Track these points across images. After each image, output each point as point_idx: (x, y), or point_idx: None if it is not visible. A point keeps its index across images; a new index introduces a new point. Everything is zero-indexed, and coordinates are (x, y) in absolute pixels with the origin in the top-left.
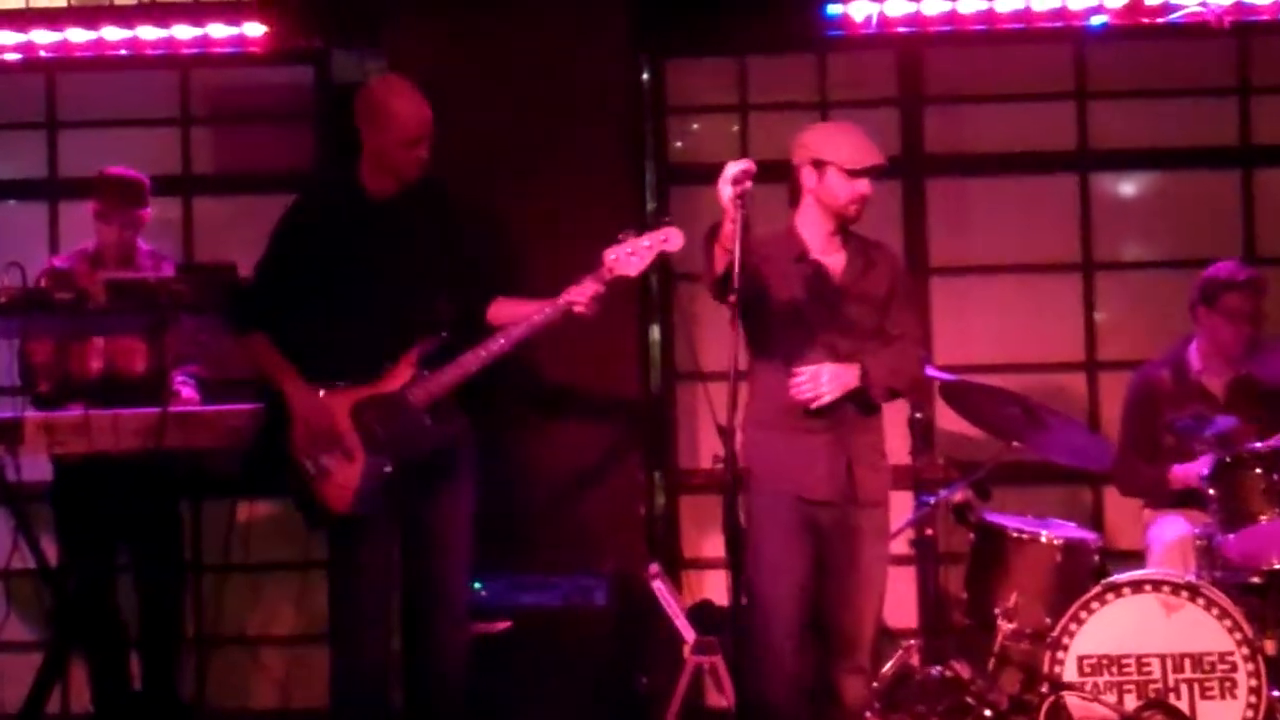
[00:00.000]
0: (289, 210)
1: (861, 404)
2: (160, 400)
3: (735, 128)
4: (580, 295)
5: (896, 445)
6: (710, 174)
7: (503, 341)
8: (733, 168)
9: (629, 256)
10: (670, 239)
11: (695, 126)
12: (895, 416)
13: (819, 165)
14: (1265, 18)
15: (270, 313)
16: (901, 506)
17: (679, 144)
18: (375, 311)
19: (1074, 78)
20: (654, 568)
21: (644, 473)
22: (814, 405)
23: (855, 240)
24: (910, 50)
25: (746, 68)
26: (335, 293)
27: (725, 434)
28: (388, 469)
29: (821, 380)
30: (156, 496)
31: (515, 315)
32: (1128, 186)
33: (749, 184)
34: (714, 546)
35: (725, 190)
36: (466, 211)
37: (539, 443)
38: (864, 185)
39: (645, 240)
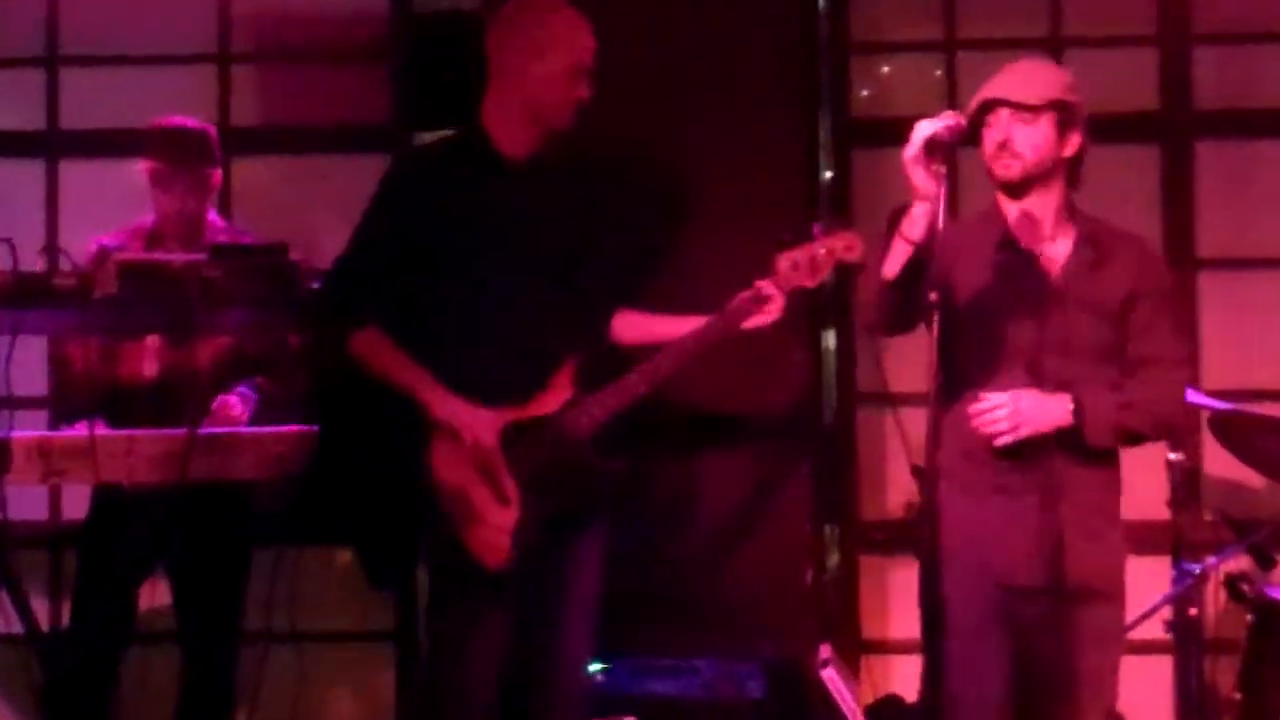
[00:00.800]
0: (393, 175)
1: (1080, 450)
2: (186, 418)
3: (939, 72)
4: (766, 314)
5: (1150, 495)
6: (904, 131)
7: (672, 359)
8: (926, 127)
9: (809, 262)
10: (852, 246)
11: (886, 70)
12: (1148, 459)
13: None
14: None
15: (376, 308)
16: (1156, 578)
17: (865, 92)
18: (522, 311)
19: None
20: (825, 651)
21: (814, 526)
22: (998, 443)
23: (1091, 226)
24: None
25: None
26: (466, 286)
27: (924, 477)
28: (545, 511)
29: (1012, 409)
30: (214, 541)
31: (651, 332)
32: None
33: (952, 149)
34: (904, 625)
35: (915, 159)
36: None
37: (676, 486)
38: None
39: (820, 248)
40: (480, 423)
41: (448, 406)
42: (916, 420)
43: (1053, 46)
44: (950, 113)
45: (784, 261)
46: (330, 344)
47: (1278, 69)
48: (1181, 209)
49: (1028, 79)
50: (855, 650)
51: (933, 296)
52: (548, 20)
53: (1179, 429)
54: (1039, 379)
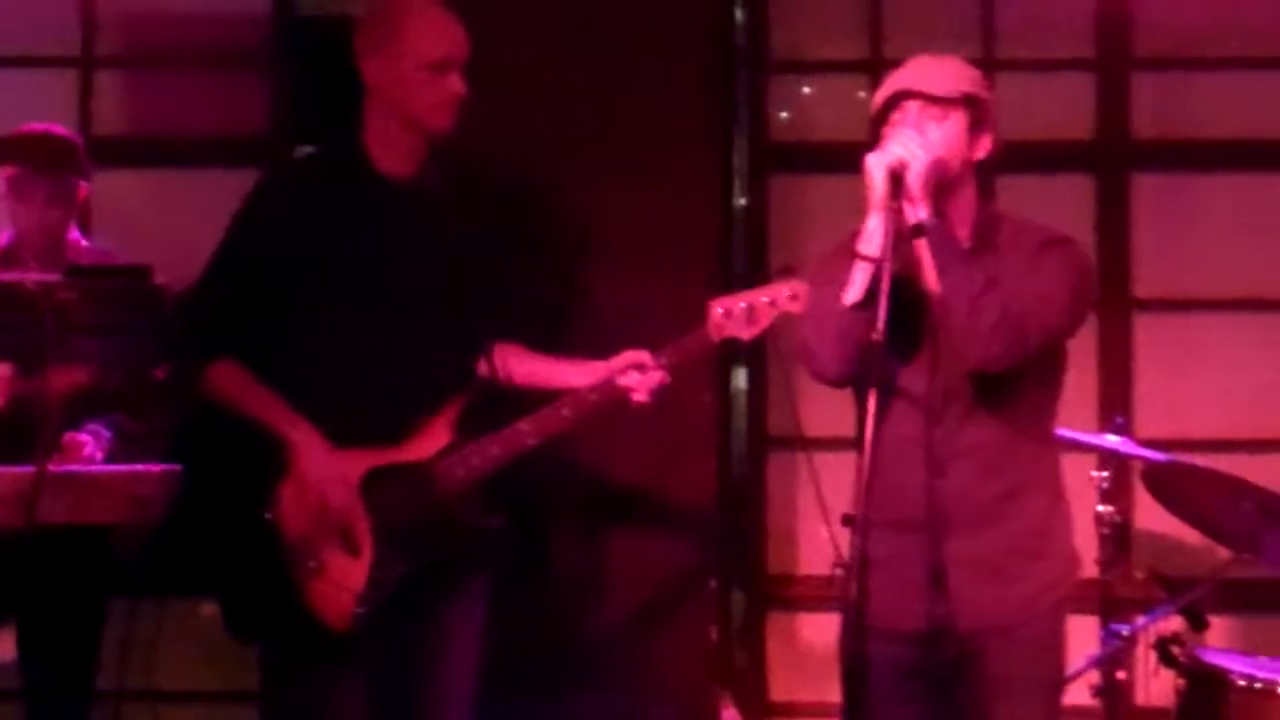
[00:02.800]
0: (258, 193)
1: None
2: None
3: (863, 93)
4: (644, 382)
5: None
6: (826, 157)
7: (569, 413)
8: (896, 149)
9: (744, 313)
10: (798, 295)
11: (807, 90)
12: (1077, 510)
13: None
14: None
15: (237, 337)
16: (1084, 639)
17: (784, 114)
18: (396, 344)
19: None
20: (729, 714)
21: (719, 581)
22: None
23: (1007, 227)
24: None
25: (880, 7)
26: (335, 316)
27: (855, 526)
28: (402, 569)
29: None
30: (65, 590)
31: (540, 374)
32: None
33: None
34: (815, 687)
35: (878, 176)
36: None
37: (571, 537)
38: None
39: (765, 295)
40: (330, 480)
41: (308, 453)
42: (831, 466)
43: (985, 69)
44: (910, 132)
45: (714, 310)
46: (190, 376)
47: (1221, 98)
48: (1116, 245)
49: (938, 70)
50: (762, 713)
51: (877, 335)
52: (403, 17)
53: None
54: (934, 403)
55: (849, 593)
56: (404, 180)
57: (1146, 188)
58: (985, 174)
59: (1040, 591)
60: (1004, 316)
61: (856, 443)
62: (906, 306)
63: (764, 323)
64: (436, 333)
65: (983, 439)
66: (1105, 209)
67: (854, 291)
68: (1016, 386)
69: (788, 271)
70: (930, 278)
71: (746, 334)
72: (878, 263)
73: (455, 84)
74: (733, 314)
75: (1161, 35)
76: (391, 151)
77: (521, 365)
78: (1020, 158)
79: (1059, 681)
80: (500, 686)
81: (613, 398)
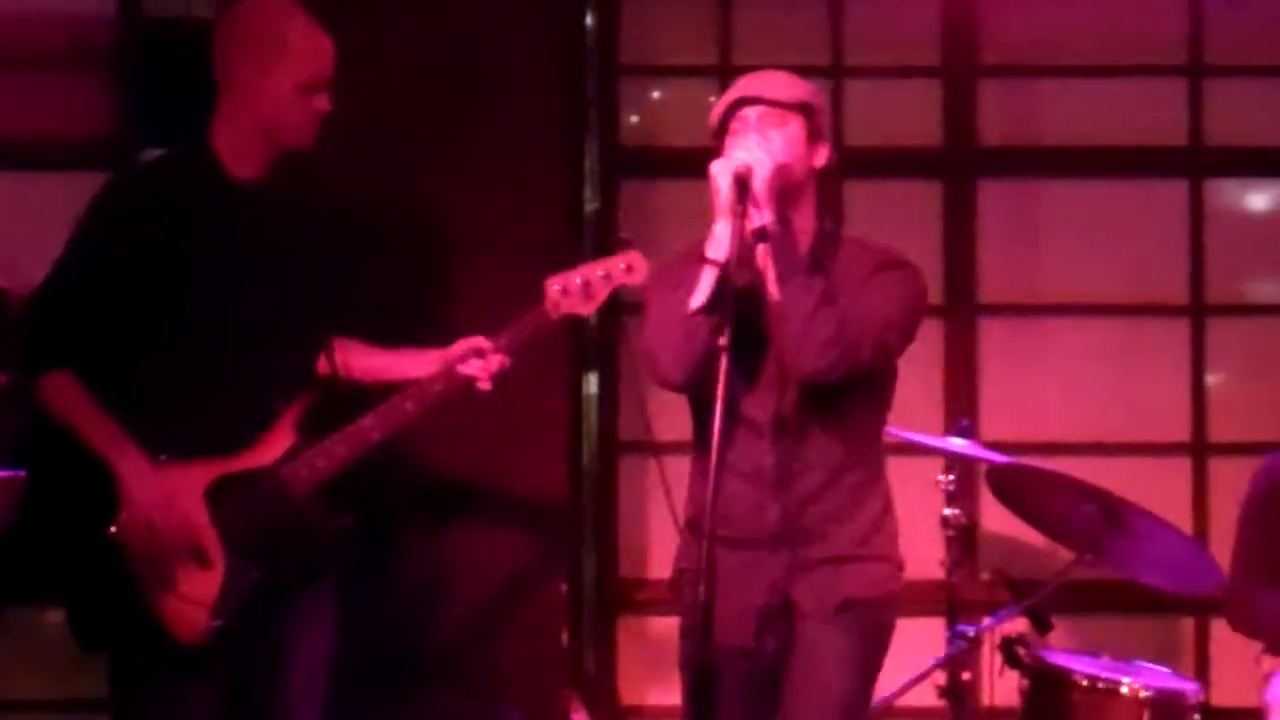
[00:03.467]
0: (105, 196)
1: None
2: None
3: (714, 98)
4: (485, 367)
5: (924, 554)
6: (676, 161)
7: (410, 406)
8: (740, 155)
9: (581, 288)
10: (634, 267)
11: (657, 95)
12: (923, 515)
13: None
14: None
15: (78, 347)
16: (930, 640)
17: (634, 118)
18: (242, 349)
19: (1186, 47)
20: (578, 718)
21: (570, 585)
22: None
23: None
24: (960, 2)
25: (731, 14)
26: (181, 321)
27: (697, 532)
28: (254, 577)
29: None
30: None
31: (380, 367)
32: (1258, 198)
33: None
34: (668, 692)
35: (723, 181)
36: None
37: (422, 541)
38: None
39: (599, 268)
40: (156, 504)
41: (130, 477)
42: (682, 471)
43: (834, 76)
44: (756, 137)
45: (551, 287)
46: (29, 385)
47: (1065, 104)
48: (963, 250)
49: (774, 79)
50: (611, 716)
51: (722, 341)
52: (281, 28)
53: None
54: (782, 412)
55: (686, 600)
56: (252, 184)
57: (993, 193)
58: (826, 187)
59: (868, 586)
60: (840, 330)
61: (696, 449)
62: (751, 316)
63: (600, 296)
64: (277, 339)
65: (819, 452)
66: (952, 214)
67: (700, 296)
68: (850, 401)
69: (624, 244)
70: (771, 286)
71: (584, 309)
72: (724, 267)
73: (323, 103)
74: (569, 290)
75: (1007, 43)
76: (243, 156)
77: (361, 361)
78: (869, 164)
79: (875, 667)
80: (350, 687)
81: (455, 385)
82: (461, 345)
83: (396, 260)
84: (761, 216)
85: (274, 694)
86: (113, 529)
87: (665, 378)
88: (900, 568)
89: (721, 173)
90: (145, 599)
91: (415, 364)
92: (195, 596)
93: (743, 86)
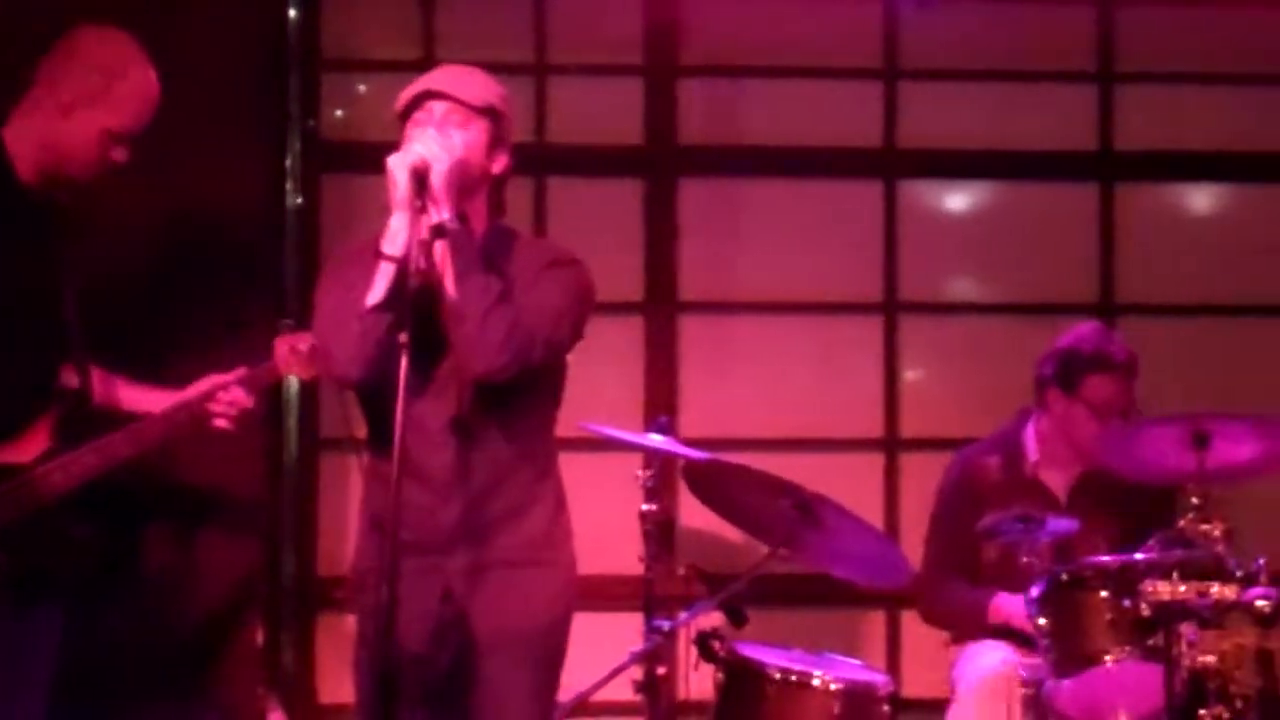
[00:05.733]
0: None
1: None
2: None
3: None
4: (229, 408)
5: (623, 548)
6: (379, 157)
7: (156, 429)
8: (418, 149)
9: (307, 353)
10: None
11: (363, 89)
12: (622, 510)
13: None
14: None
15: None
16: (628, 635)
17: (339, 113)
18: (15, 345)
19: (883, 51)
20: (275, 717)
21: (269, 583)
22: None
23: (519, 244)
24: (662, 1)
25: (434, 9)
26: None
27: (376, 531)
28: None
29: None
30: None
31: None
32: (950, 200)
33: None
34: None
35: (400, 175)
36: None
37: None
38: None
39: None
40: None
41: None
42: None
43: (536, 73)
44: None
45: (283, 346)
46: None
47: (764, 105)
48: (664, 248)
49: (468, 78)
50: (310, 715)
51: (402, 338)
52: (122, 71)
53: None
54: (461, 409)
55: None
56: (31, 186)
57: (693, 192)
58: (498, 192)
59: (543, 602)
60: (513, 328)
61: (369, 448)
62: (428, 315)
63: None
64: (53, 340)
65: (491, 451)
66: (653, 212)
67: (377, 292)
68: (521, 399)
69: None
70: (448, 284)
71: (305, 374)
72: (401, 263)
73: (120, 155)
74: (297, 351)
75: (708, 43)
76: (25, 160)
77: (118, 392)
78: (572, 161)
79: (554, 688)
80: (64, 695)
81: (199, 418)
82: (204, 385)
83: (103, 263)
84: (440, 213)
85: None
86: None
87: (341, 375)
88: (574, 569)
89: (399, 166)
90: None
91: (161, 401)
92: None
93: (435, 79)
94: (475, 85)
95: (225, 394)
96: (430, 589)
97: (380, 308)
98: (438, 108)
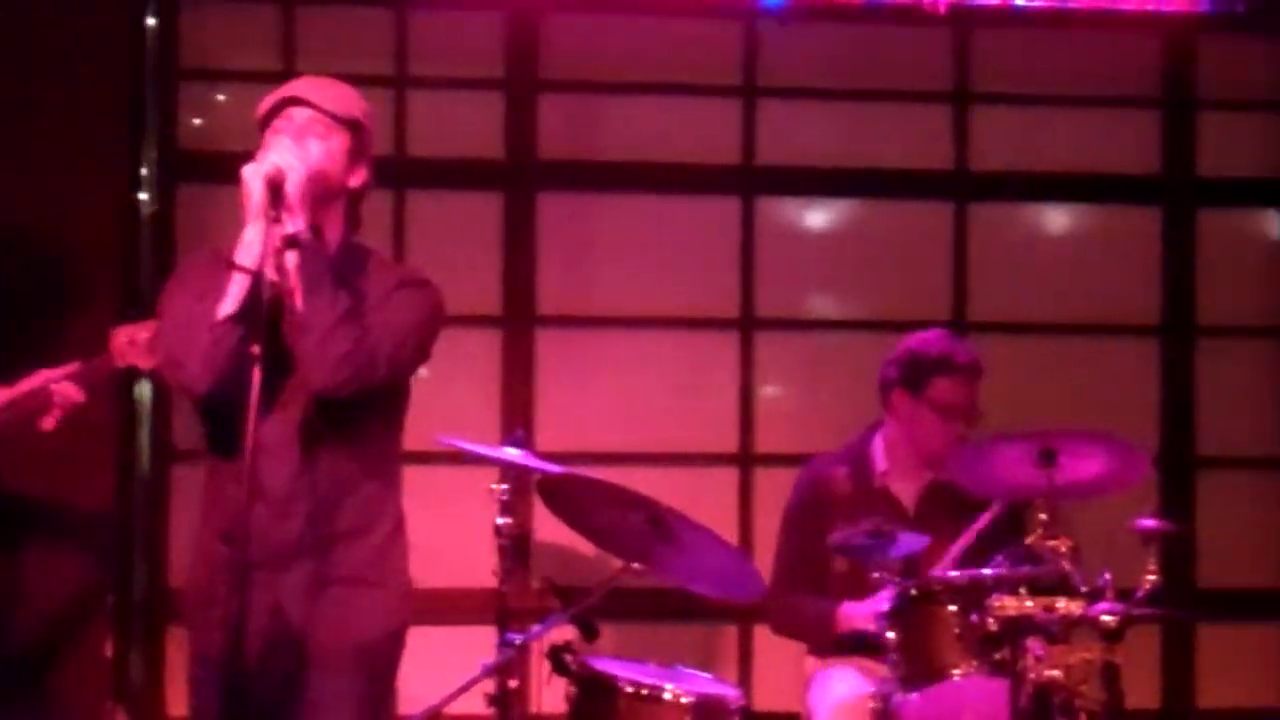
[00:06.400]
0: None
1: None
2: None
3: None
4: (60, 403)
5: (477, 562)
6: (236, 166)
7: None
8: (273, 158)
9: (145, 343)
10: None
11: (221, 98)
12: (477, 522)
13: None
14: (990, 2)
15: None
16: (482, 648)
17: (197, 121)
18: None
19: (742, 69)
20: None
21: (119, 595)
22: None
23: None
24: (522, 16)
25: (294, 20)
26: None
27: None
28: None
29: None
30: None
31: None
32: (807, 217)
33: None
34: None
35: (255, 185)
36: None
37: None
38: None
39: (122, 336)
40: None
41: None
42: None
43: (397, 86)
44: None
45: (118, 338)
46: None
47: (624, 121)
48: (522, 262)
49: (333, 89)
50: None
51: (255, 349)
52: None
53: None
54: (302, 427)
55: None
56: None
57: (552, 207)
58: (355, 206)
59: (380, 618)
60: (357, 345)
61: (211, 460)
62: (275, 327)
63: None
64: None
65: (333, 467)
66: (512, 226)
67: (229, 303)
68: (365, 416)
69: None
70: (296, 297)
71: (145, 363)
72: (254, 274)
73: None
74: (135, 342)
75: (568, 59)
76: None
77: None
78: (430, 174)
79: (385, 706)
80: None
81: (25, 415)
82: (34, 380)
83: None
84: (294, 223)
85: None
86: None
87: (190, 386)
88: (410, 587)
89: (253, 176)
90: None
91: None
92: None
93: (299, 86)
94: (339, 96)
95: (57, 388)
96: (261, 604)
97: (232, 319)
98: (299, 115)
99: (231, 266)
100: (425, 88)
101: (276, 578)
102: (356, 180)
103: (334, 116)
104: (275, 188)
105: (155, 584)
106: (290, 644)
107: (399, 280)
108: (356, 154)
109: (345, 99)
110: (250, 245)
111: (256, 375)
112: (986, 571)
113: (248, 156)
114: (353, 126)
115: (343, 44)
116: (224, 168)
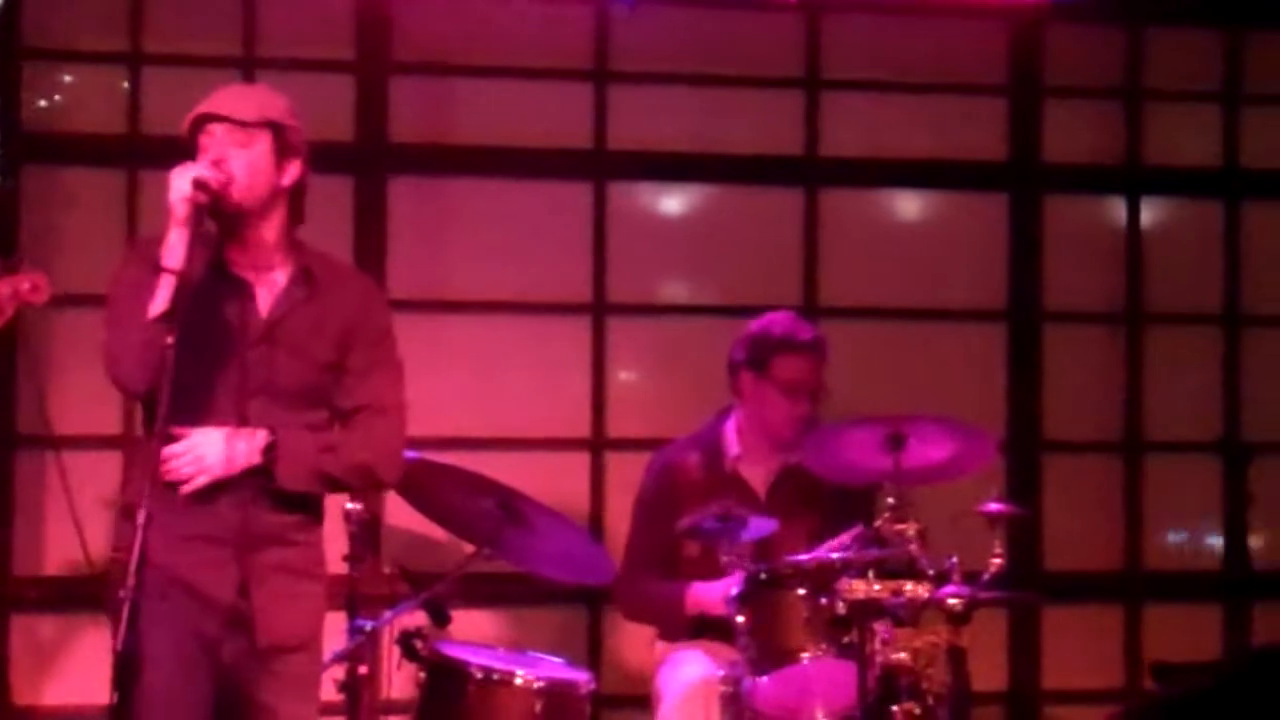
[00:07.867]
0: None
1: (282, 499)
2: None
3: (125, 84)
4: None
5: (327, 547)
6: (83, 148)
7: None
8: (198, 168)
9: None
10: (39, 286)
11: (68, 79)
12: (328, 507)
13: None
14: None
15: None
16: (333, 634)
17: (42, 102)
18: None
19: (594, 53)
20: None
21: None
22: (183, 490)
23: (311, 260)
24: None
25: (142, 1)
26: None
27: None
28: None
29: (194, 454)
30: None
31: None
32: (657, 202)
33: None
34: (60, 690)
35: (180, 192)
36: None
37: None
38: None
39: (5, 287)
40: None
41: None
42: (82, 465)
43: (245, 67)
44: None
45: (3, 288)
46: None
47: (476, 104)
48: (374, 246)
49: (243, 97)
50: (6, 717)
51: (169, 340)
52: None
53: (386, 477)
54: (241, 418)
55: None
56: None
57: (403, 190)
58: (297, 199)
59: (314, 613)
60: (367, 463)
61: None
62: (225, 326)
63: (7, 313)
64: None
65: None
66: (363, 210)
67: (158, 305)
68: (319, 410)
69: (31, 263)
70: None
71: (38, 299)
72: (180, 276)
73: None
74: (18, 293)
75: (421, 41)
76: None
77: None
78: None
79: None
80: None
81: None
82: None
83: None
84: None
85: None
86: None
87: (126, 382)
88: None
89: (179, 182)
90: None
91: None
92: None
93: (210, 102)
94: (250, 102)
95: None
96: (227, 579)
97: (162, 319)
98: (218, 130)
99: (159, 269)
100: (275, 69)
101: (237, 555)
102: (289, 178)
103: (249, 124)
104: (199, 207)
105: None
106: (248, 622)
107: (351, 274)
108: (282, 152)
109: (258, 104)
110: (174, 249)
111: (169, 361)
112: (835, 555)
113: (95, 138)
114: (271, 128)
115: (191, 24)
116: (70, 149)
